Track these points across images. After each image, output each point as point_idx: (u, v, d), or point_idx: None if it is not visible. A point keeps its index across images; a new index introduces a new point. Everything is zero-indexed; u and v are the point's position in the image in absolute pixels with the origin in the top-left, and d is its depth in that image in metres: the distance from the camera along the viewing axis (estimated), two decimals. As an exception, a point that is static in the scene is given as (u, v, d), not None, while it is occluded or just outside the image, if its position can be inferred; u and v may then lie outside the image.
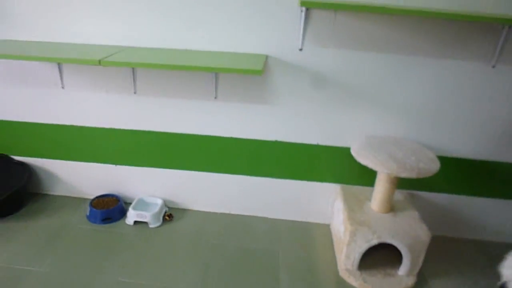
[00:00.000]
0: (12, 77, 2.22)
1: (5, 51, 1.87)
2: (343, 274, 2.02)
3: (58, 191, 2.52)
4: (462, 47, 1.92)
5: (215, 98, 2.14)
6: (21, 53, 1.83)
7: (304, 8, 1.88)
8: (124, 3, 1.98)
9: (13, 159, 2.42)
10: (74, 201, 2.47)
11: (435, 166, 1.87)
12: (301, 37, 1.97)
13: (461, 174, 2.19)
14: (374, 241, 1.93)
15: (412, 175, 1.81)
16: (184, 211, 2.44)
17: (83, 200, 2.49)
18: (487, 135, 2.09)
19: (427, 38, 1.92)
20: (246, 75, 2.06)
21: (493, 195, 2.24)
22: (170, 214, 2.34)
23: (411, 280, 1.99)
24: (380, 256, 2.15)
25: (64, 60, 1.78)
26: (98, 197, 2.39)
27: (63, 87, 2.20)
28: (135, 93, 2.17)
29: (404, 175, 1.81)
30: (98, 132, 2.29)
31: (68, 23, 2.05)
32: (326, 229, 2.36)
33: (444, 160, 2.17)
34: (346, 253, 1.98)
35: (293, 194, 2.36)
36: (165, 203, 2.42)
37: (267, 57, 2.01)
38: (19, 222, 2.25)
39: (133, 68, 2.11)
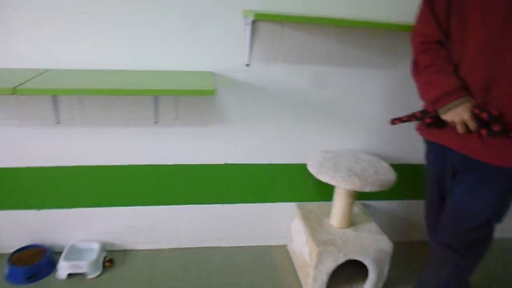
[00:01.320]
0: None
1: None
2: (312, 298, 1.92)
3: (-39, 249, 2.05)
4: (406, 57, 1.96)
5: (155, 123, 1.91)
6: None
7: (250, 22, 1.76)
8: (47, 19, 1.67)
9: None
10: (-15, 260, 2.02)
11: (393, 176, 1.87)
12: (247, 52, 1.84)
13: (408, 179, 2.24)
14: (342, 260, 1.86)
15: (375, 188, 1.78)
16: (126, 252, 2.13)
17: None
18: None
19: (375, 49, 1.93)
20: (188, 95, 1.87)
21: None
22: (110, 259, 2.03)
23: (378, 293, 1.97)
24: (340, 271, 2.08)
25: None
26: (18, 251, 1.97)
27: (-39, 123, 1.79)
28: (58, 123, 1.84)
29: (367, 189, 1.77)
30: (12, 173, 1.90)
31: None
32: (283, 251, 2.25)
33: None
34: (314, 276, 1.88)
35: (246, 219, 2.20)
36: (103, 247, 2.09)
37: (212, 74, 1.84)
38: None
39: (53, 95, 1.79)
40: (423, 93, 1.49)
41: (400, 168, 2.09)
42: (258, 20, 1.76)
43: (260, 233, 2.26)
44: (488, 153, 1.35)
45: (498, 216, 1.45)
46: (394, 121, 1.56)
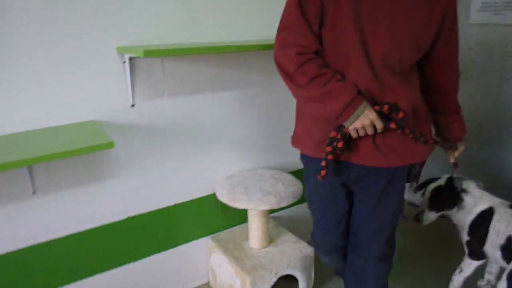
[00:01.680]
0: None
1: None
2: (254, 328, 1.86)
3: None
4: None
5: (34, 193, 1.58)
6: None
7: (127, 59, 1.60)
8: None
9: None
10: None
11: (299, 184, 1.95)
12: (130, 91, 1.67)
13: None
14: (274, 279, 1.85)
15: (290, 201, 1.82)
16: None
17: None
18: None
19: (257, 69, 1.99)
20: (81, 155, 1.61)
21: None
22: None
23: (311, 298, 2.02)
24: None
25: None
26: None
27: None
28: None
29: (283, 204, 1.80)
30: None
31: None
32: (207, 289, 2.13)
33: (289, 176, 2.30)
34: (252, 305, 1.82)
35: (162, 269, 2.00)
36: None
37: (96, 123, 1.62)
38: None
39: None
40: (317, 108, 1.32)
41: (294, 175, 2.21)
42: (135, 57, 1.62)
43: (180, 278, 2.08)
44: (381, 159, 1.36)
45: (402, 210, 1.60)
46: (322, 176, 1.35)
